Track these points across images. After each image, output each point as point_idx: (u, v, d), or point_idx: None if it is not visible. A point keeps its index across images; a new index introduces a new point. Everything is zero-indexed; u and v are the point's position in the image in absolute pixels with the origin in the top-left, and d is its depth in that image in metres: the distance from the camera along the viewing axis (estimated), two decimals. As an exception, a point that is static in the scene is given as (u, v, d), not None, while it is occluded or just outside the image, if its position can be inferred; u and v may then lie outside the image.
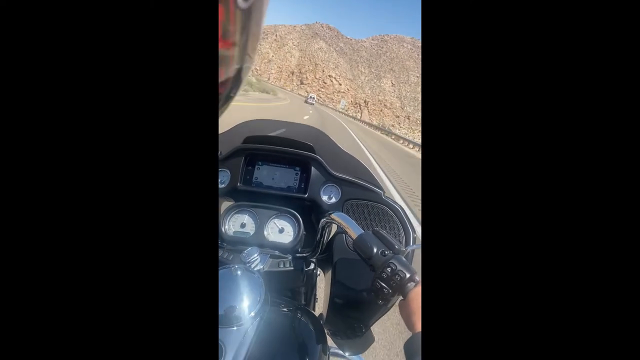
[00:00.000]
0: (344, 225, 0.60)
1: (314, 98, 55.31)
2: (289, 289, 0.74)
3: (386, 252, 0.51)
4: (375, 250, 0.52)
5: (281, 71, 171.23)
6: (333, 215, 0.63)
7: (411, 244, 0.74)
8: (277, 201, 0.77)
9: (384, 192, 0.79)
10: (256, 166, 0.82)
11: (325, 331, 0.65)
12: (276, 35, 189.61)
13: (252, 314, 0.49)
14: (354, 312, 0.67)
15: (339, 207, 0.78)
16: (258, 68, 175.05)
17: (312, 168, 0.80)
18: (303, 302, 0.79)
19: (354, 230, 0.57)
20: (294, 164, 0.82)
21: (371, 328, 0.69)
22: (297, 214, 0.74)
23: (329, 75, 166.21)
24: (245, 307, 0.49)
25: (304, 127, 1.08)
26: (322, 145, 0.87)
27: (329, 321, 0.70)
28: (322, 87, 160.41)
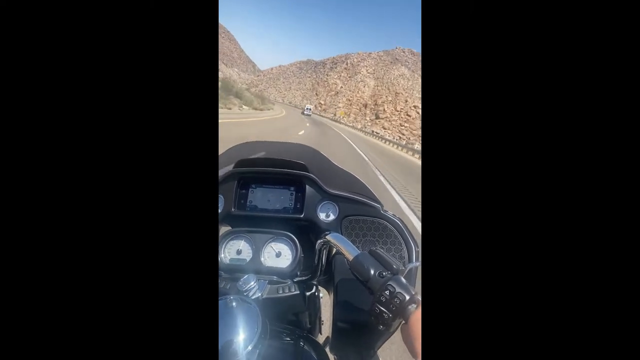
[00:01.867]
0: (339, 246, 0.58)
1: (310, 109, 56.44)
2: (292, 314, 0.70)
3: (384, 273, 0.48)
4: (372, 272, 0.49)
5: (351, 104, 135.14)
6: (328, 237, 0.61)
7: (414, 259, 0.72)
8: (273, 224, 0.76)
9: (382, 206, 0.77)
10: (250, 189, 0.81)
11: (332, 357, 0.63)
12: (347, 64, 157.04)
13: (250, 347, 0.46)
14: (357, 336, 0.65)
15: (337, 224, 0.76)
16: (322, 102, 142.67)
17: (307, 187, 0.78)
18: (308, 326, 0.75)
19: (349, 252, 0.55)
20: (287, 184, 0.81)
21: (378, 353, 0.66)
22: (293, 236, 0.73)
23: (414, 106, 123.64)
24: (241, 340, 0.46)
25: (296, 146, 1.06)
26: (315, 162, 0.85)
27: (334, 346, 0.67)
28: (405, 122, 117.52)
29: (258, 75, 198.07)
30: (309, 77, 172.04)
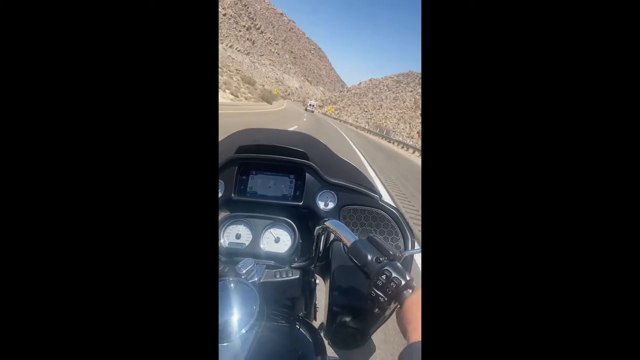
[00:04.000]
0: (337, 233, 0.60)
1: (313, 105, 56.58)
2: (288, 299, 0.73)
3: (381, 259, 0.50)
4: (369, 257, 0.51)
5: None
6: (327, 223, 0.63)
7: (409, 248, 0.74)
8: (272, 210, 0.78)
9: (380, 196, 0.79)
10: (250, 175, 0.82)
11: (326, 342, 0.65)
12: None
13: (246, 328, 0.48)
14: (352, 321, 0.67)
15: (335, 213, 0.78)
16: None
17: (307, 175, 0.80)
18: (303, 311, 0.78)
19: (347, 238, 0.57)
20: (288, 171, 0.82)
21: (372, 337, 0.68)
22: (292, 222, 0.75)
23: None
24: (238, 321, 0.48)
25: (297, 134, 1.07)
26: (316, 151, 0.87)
27: (329, 331, 0.69)
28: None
29: (341, 92, 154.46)
30: (410, 91, 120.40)
